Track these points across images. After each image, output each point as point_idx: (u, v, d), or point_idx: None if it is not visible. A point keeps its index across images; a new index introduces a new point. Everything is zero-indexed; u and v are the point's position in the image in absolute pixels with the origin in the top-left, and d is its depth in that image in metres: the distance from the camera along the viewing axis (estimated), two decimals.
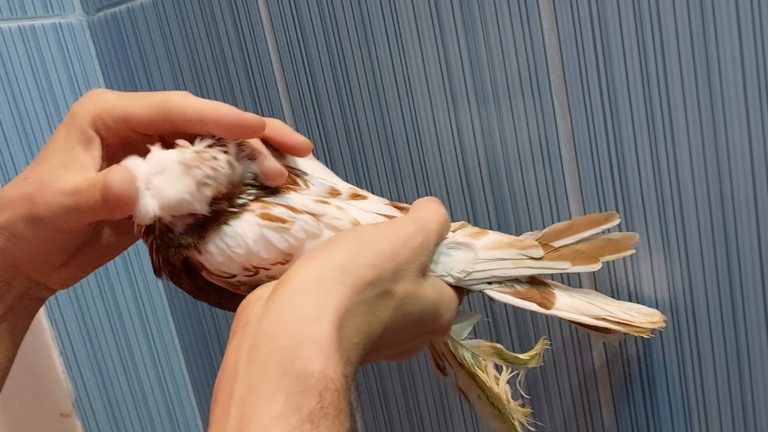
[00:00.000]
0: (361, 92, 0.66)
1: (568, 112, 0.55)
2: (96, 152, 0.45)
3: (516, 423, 0.53)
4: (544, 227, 0.55)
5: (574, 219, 0.54)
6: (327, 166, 0.68)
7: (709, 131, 0.50)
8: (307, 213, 0.45)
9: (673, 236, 0.54)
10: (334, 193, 0.48)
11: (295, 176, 0.48)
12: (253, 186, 0.45)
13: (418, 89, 0.62)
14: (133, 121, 0.45)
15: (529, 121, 0.57)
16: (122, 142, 0.46)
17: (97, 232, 0.50)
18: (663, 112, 0.51)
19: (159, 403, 0.90)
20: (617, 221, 0.53)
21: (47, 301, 0.79)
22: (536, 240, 0.53)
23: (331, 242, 0.43)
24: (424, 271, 0.47)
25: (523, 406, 0.54)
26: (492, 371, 0.53)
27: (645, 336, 0.52)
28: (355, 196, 0.49)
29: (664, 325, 0.53)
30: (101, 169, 0.46)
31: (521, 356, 0.53)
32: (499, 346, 0.53)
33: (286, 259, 0.44)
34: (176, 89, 0.77)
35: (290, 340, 0.37)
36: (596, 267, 0.52)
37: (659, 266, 0.55)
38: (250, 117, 0.43)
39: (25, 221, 0.44)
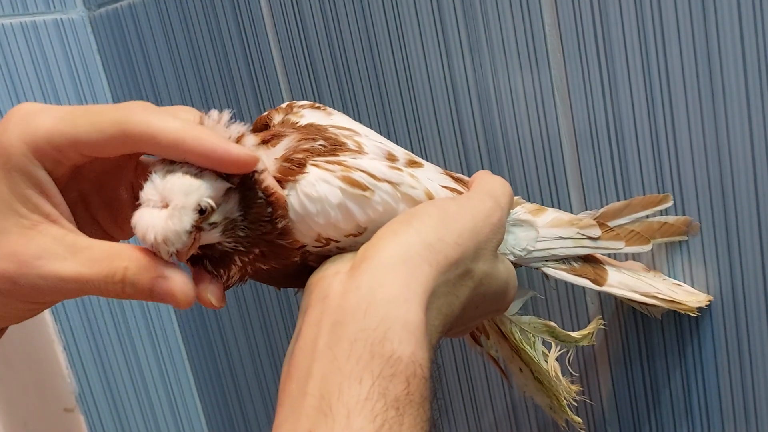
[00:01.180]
0: (363, 84, 0.65)
1: (569, 106, 0.55)
2: (55, 196, 0.38)
3: (563, 400, 0.54)
4: (543, 204, 0.55)
5: (630, 199, 0.54)
6: None
7: (709, 119, 0.50)
8: (387, 181, 0.42)
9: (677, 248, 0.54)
10: (391, 158, 0.44)
11: (346, 137, 0.43)
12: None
13: (418, 79, 0.62)
14: (84, 148, 0.37)
15: (530, 113, 0.57)
16: (71, 170, 0.40)
17: None
18: (663, 98, 0.51)
19: (161, 397, 0.89)
20: (670, 203, 0.53)
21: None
22: (594, 219, 0.53)
23: (414, 216, 0.40)
24: (497, 249, 0.45)
25: (572, 383, 0.54)
26: (540, 347, 0.53)
27: (692, 314, 0.52)
28: (412, 163, 0.45)
29: (708, 303, 0.53)
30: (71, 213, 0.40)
31: (573, 335, 0.54)
32: (552, 323, 0.53)
33: (359, 232, 0.41)
34: (178, 84, 0.78)
35: (380, 321, 0.35)
36: (647, 248, 0.53)
37: (660, 259, 0.55)
38: (241, 153, 0.37)
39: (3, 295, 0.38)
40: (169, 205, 0.36)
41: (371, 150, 0.43)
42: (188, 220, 0.36)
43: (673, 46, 0.50)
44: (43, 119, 0.37)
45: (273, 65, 0.70)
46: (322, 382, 0.34)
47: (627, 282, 0.52)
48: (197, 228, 0.37)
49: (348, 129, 0.44)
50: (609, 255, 0.55)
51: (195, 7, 0.74)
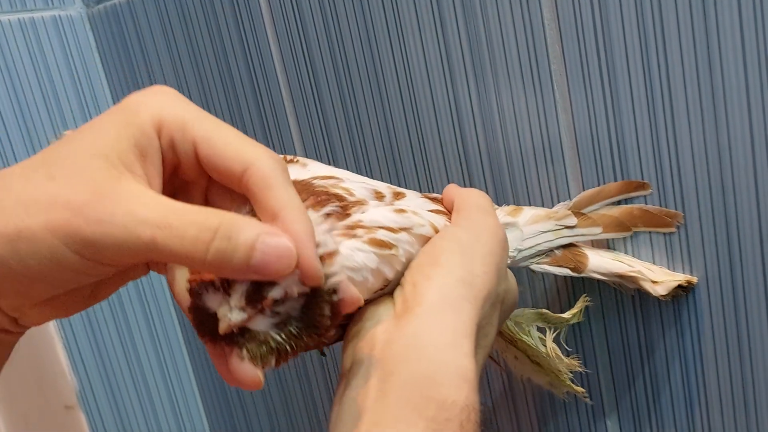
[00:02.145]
0: (362, 84, 0.65)
1: (569, 101, 0.55)
2: (156, 169, 0.35)
3: (564, 375, 0.56)
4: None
5: (603, 185, 0.55)
6: (326, 151, 0.68)
7: (710, 119, 0.50)
8: (402, 230, 0.42)
9: (659, 238, 0.54)
10: (379, 196, 0.45)
11: (333, 185, 0.43)
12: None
13: (418, 80, 0.62)
14: (206, 161, 0.35)
15: (530, 116, 0.57)
16: (170, 171, 0.36)
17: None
18: (664, 100, 0.51)
19: (162, 394, 0.89)
20: (649, 191, 0.53)
21: None
22: (568, 209, 0.55)
23: (438, 255, 0.41)
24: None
25: (570, 357, 0.56)
26: (536, 334, 0.55)
27: (662, 295, 0.52)
28: (397, 195, 0.46)
29: (686, 283, 0.53)
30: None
31: (564, 315, 0.56)
32: (543, 310, 0.55)
33: (385, 285, 0.41)
34: (177, 81, 0.77)
35: (430, 367, 0.35)
36: (627, 234, 0.54)
37: (660, 252, 0.55)
38: (319, 272, 0.34)
39: (55, 235, 0.31)
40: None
41: (361, 194, 0.43)
42: (281, 291, 0.33)
43: (675, 62, 0.50)
44: (183, 107, 0.35)
45: (272, 62, 0.70)
46: (376, 428, 0.34)
47: (606, 265, 0.54)
48: (259, 308, 0.34)
49: (330, 177, 0.44)
50: (591, 242, 0.56)
51: (194, 4, 0.74)
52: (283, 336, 0.34)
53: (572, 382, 0.57)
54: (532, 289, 0.62)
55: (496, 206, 0.53)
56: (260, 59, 0.71)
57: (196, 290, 0.34)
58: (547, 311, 0.56)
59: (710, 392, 0.56)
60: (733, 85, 0.48)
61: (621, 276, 0.53)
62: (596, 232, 0.54)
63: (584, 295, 0.58)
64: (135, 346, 0.87)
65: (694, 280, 0.54)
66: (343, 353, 0.40)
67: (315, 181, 0.44)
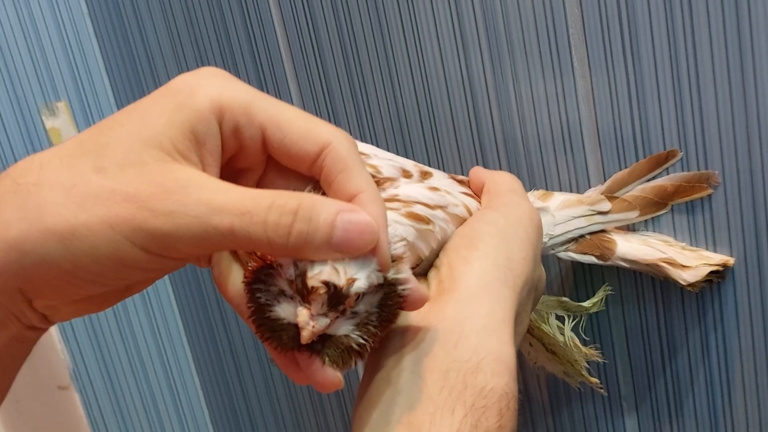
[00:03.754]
0: (371, 62, 0.63)
1: (590, 85, 0.53)
2: (213, 157, 0.33)
3: (580, 364, 0.55)
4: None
5: (633, 164, 0.53)
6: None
7: (739, 103, 0.48)
8: (438, 207, 0.41)
9: (698, 205, 0.53)
10: (407, 174, 0.44)
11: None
12: None
13: (431, 60, 0.60)
14: (277, 145, 0.34)
15: (549, 101, 0.55)
16: (227, 159, 0.35)
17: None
18: (691, 84, 0.49)
19: (159, 372, 0.88)
20: (679, 157, 0.52)
21: None
22: (601, 193, 0.53)
23: (476, 239, 0.40)
24: None
25: (588, 347, 0.56)
26: (554, 322, 0.55)
27: (689, 289, 0.51)
28: (425, 174, 0.45)
29: (722, 268, 0.52)
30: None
31: (584, 304, 0.55)
32: (563, 298, 0.55)
33: (417, 264, 0.41)
34: (172, 46, 0.75)
35: (472, 352, 0.35)
36: (664, 211, 0.53)
37: (682, 233, 0.54)
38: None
39: (117, 231, 0.30)
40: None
41: (388, 172, 0.43)
42: (366, 282, 0.32)
43: (704, 43, 0.48)
44: (244, 90, 0.34)
45: (274, 31, 0.68)
46: (411, 412, 0.34)
47: (634, 252, 0.52)
48: (341, 310, 0.33)
49: (361, 153, 0.42)
50: (629, 227, 0.55)
51: None
52: (365, 336, 0.34)
53: (588, 372, 0.56)
54: (548, 274, 0.60)
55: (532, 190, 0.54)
56: (261, 26, 0.69)
57: (264, 300, 0.33)
58: (567, 299, 0.55)
59: (734, 386, 0.55)
60: (764, 67, 0.47)
61: (650, 265, 0.52)
62: (633, 215, 0.53)
63: (606, 284, 0.57)
64: (131, 323, 0.86)
65: (731, 261, 0.52)
66: None
67: None
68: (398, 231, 0.37)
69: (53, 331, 0.80)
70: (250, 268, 0.33)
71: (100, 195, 0.30)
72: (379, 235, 0.32)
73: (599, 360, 0.56)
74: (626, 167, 0.54)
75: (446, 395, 0.34)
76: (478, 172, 0.48)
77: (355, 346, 0.34)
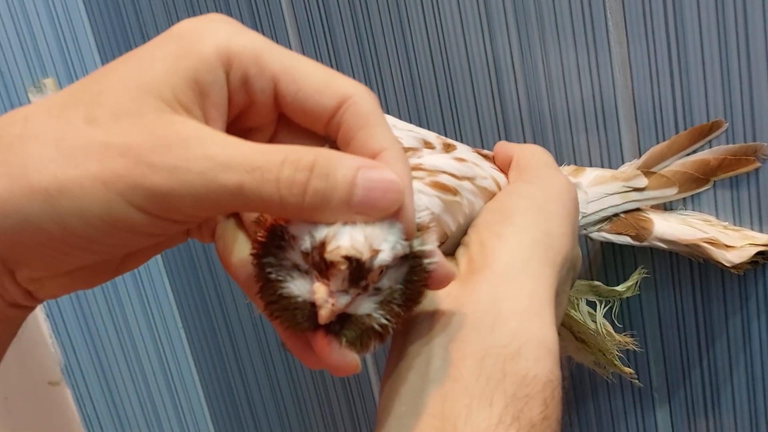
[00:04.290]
0: (384, 29, 0.60)
1: (627, 56, 0.50)
2: (219, 111, 0.30)
3: (612, 353, 0.54)
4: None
5: (673, 137, 0.51)
6: None
7: None
8: (466, 178, 0.40)
9: (743, 180, 0.50)
10: (429, 146, 0.41)
11: None
12: None
13: (450, 26, 0.57)
14: (291, 98, 0.31)
15: (582, 74, 0.53)
16: (234, 115, 0.32)
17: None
18: (740, 55, 0.46)
19: (155, 366, 0.87)
20: (724, 128, 0.49)
21: None
22: (637, 168, 0.51)
23: (509, 213, 0.38)
24: None
25: (623, 335, 0.55)
26: (585, 308, 0.53)
27: (733, 271, 0.49)
28: (448, 147, 0.43)
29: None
30: None
31: (617, 288, 0.53)
32: (596, 282, 0.53)
33: (443, 241, 0.38)
34: (167, 19, 0.73)
35: (512, 336, 0.33)
36: (707, 187, 0.50)
37: (725, 210, 0.52)
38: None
39: (111, 189, 0.27)
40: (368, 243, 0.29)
41: (410, 143, 0.40)
42: (391, 253, 0.29)
43: (756, 10, 0.45)
44: (254, 38, 0.31)
45: (283, 21, 0.65)
46: (444, 403, 0.32)
47: (673, 232, 0.50)
48: (363, 285, 0.30)
49: None
50: (665, 205, 0.53)
51: None
52: (388, 316, 0.31)
53: (620, 361, 0.55)
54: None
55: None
56: (268, 9, 0.66)
57: (275, 276, 0.30)
58: (599, 284, 0.53)
59: None
60: None
61: (690, 245, 0.50)
62: (671, 192, 0.51)
63: (641, 267, 0.55)
64: (125, 314, 0.85)
65: None
66: None
67: None
68: (422, 201, 0.36)
69: (43, 324, 0.78)
70: (259, 238, 0.31)
71: (92, 148, 0.27)
72: (405, 196, 0.29)
73: (634, 348, 0.55)
74: (664, 140, 0.51)
75: (483, 384, 0.32)
76: (504, 146, 0.46)
77: (377, 326, 0.31)
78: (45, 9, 0.76)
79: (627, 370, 0.55)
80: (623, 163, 0.54)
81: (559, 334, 0.53)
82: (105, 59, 0.79)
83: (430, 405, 0.32)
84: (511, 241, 0.37)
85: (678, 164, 0.51)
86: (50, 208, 0.27)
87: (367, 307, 0.31)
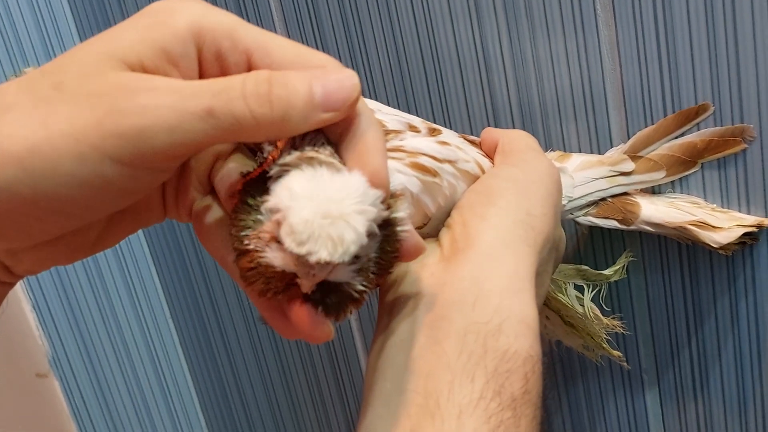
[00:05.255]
0: (371, 15, 0.60)
1: (615, 41, 0.50)
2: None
3: (600, 337, 0.54)
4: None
5: (659, 121, 0.51)
6: None
7: None
8: (446, 161, 0.40)
9: (731, 162, 0.50)
10: (414, 129, 0.42)
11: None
12: None
13: (438, 11, 0.56)
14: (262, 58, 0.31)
15: (570, 58, 0.52)
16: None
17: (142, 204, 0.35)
18: (728, 41, 0.46)
19: (144, 357, 0.87)
20: (711, 111, 0.49)
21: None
22: (624, 153, 0.51)
23: (493, 194, 0.39)
24: None
25: (611, 318, 0.54)
26: (573, 292, 0.53)
27: (721, 252, 0.49)
28: (433, 131, 0.43)
29: (757, 229, 0.50)
30: None
31: (605, 272, 0.54)
32: (583, 266, 0.53)
33: (425, 223, 0.39)
34: None
35: (493, 313, 0.33)
36: (694, 170, 0.50)
37: (713, 192, 0.52)
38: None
39: (83, 142, 0.27)
40: (338, 212, 0.29)
41: (395, 126, 0.41)
42: (363, 241, 0.29)
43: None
44: (213, 17, 0.31)
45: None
46: (427, 380, 0.32)
47: (660, 215, 0.50)
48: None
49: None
50: (654, 189, 0.53)
51: None
52: (365, 283, 0.31)
53: (609, 344, 0.55)
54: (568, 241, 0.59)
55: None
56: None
57: (254, 246, 0.31)
58: (586, 268, 0.54)
59: (766, 358, 0.54)
60: None
61: (677, 228, 0.50)
62: (659, 176, 0.51)
63: (627, 250, 0.55)
64: (112, 305, 0.84)
65: (766, 222, 0.50)
66: (380, 300, 0.38)
67: None
68: (400, 180, 0.36)
69: (30, 315, 0.78)
70: (235, 214, 0.32)
71: (60, 110, 0.27)
72: (374, 158, 0.31)
73: (622, 331, 0.55)
74: (653, 124, 0.51)
75: (465, 360, 0.33)
76: (490, 132, 0.47)
77: (354, 293, 0.32)
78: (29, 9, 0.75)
79: (615, 353, 0.55)
80: (611, 144, 0.53)
81: (547, 317, 0.54)
82: None
83: (414, 382, 0.33)
84: (493, 222, 0.37)
85: (665, 148, 0.51)
86: (22, 171, 0.27)
87: (345, 274, 0.31)
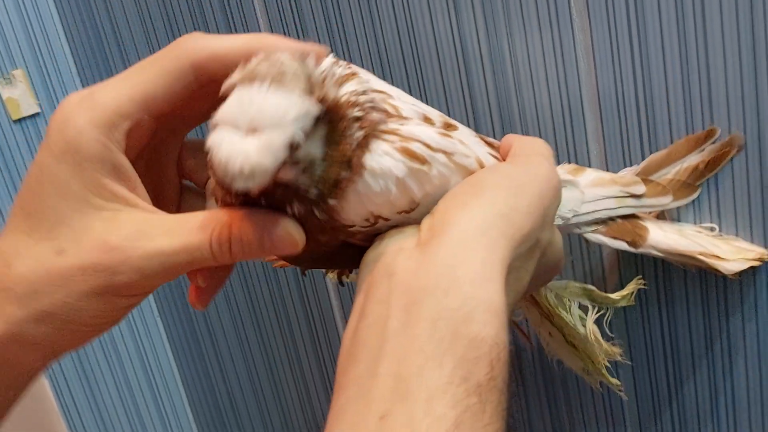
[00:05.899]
0: (353, 14, 0.60)
1: (591, 48, 0.51)
2: (132, 179, 0.37)
3: (600, 362, 0.52)
4: (558, 156, 0.53)
5: (670, 146, 0.51)
6: None
7: (748, 62, 0.46)
8: (442, 151, 0.39)
9: (704, 193, 0.52)
10: (428, 121, 0.41)
11: (381, 100, 0.40)
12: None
13: (419, 16, 0.57)
14: (155, 103, 0.37)
15: (547, 65, 0.53)
16: (142, 143, 0.39)
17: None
18: (698, 44, 0.47)
19: (132, 353, 0.86)
20: (718, 134, 0.49)
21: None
22: (636, 174, 0.51)
23: (484, 186, 0.39)
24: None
25: (613, 345, 0.53)
26: (576, 311, 0.52)
27: (729, 277, 0.49)
28: (448, 126, 0.42)
29: (760, 262, 0.50)
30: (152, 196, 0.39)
31: (612, 296, 0.52)
32: (589, 286, 0.52)
33: (412, 208, 0.39)
34: (135, 3, 0.71)
35: (463, 300, 0.34)
36: (695, 195, 0.51)
37: (686, 210, 0.53)
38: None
39: (96, 295, 0.36)
40: (256, 131, 0.32)
41: (408, 114, 0.40)
42: (280, 157, 0.32)
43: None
44: (104, 96, 0.37)
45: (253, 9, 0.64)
46: (399, 364, 0.33)
47: (667, 241, 0.50)
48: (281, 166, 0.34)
49: (380, 92, 0.40)
50: (670, 214, 0.53)
51: None
52: (310, 181, 0.35)
53: (608, 371, 0.54)
54: (583, 259, 0.59)
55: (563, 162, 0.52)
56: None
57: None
58: (594, 289, 0.52)
59: (735, 348, 0.54)
60: None
61: (683, 255, 0.50)
62: (666, 201, 0.51)
63: (638, 276, 0.54)
64: None
65: (762, 256, 0.50)
66: (358, 282, 0.39)
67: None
68: (386, 164, 0.37)
69: None
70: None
71: (73, 275, 0.36)
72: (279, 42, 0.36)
73: (620, 360, 0.53)
74: (626, 127, 0.52)
75: (435, 346, 0.33)
76: (508, 138, 0.47)
77: (301, 191, 0.35)
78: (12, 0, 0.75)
79: (614, 381, 0.55)
80: (587, 143, 0.54)
81: (550, 334, 0.53)
82: (74, 48, 0.77)
83: (386, 365, 0.33)
84: (473, 210, 0.37)
85: (673, 173, 0.51)
86: (53, 326, 0.36)
87: (290, 176, 0.34)
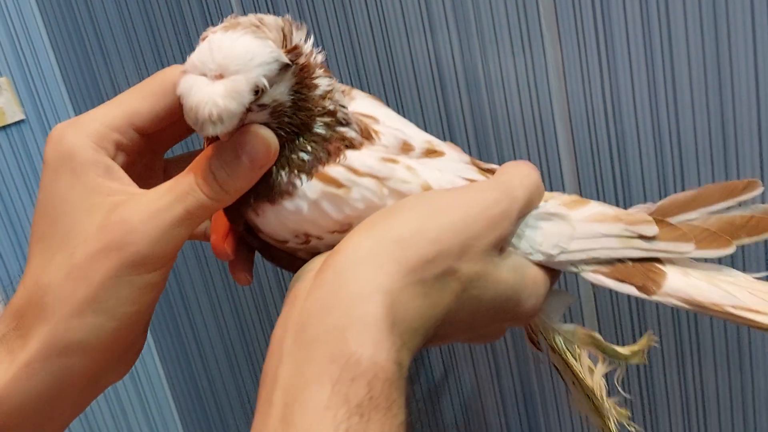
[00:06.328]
0: (331, 30, 0.61)
1: (561, 62, 0.51)
2: (123, 178, 0.40)
3: (612, 423, 0.46)
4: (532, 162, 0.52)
5: (700, 188, 0.44)
6: None
7: (713, 80, 0.47)
8: (370, 176, 0.40)
9: None
10: (406, 148, 0.42)
11: (367, 125, 0.42)
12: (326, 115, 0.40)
13: (395, 30, 0.57)
14: (140, 119, 0.40)
15: (519, 78, 0.53)
16: (131, 150, 0.42)
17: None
18: (665, 60, 0.48)
19: None
20: (760, 190, 0.42)
21: (5, 269, 0.75)
22: (649, 214, 0.44)
23: (392, 211, 0.39)
24: (501, 247, 0.41)
25: (624, 405, 0.47)
26: (586, 361, 0.46)
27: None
28: (430, 153, 0.42)
29: None
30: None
31: (621, 350, 0.45)
32: (596, 335, 0.46)
33: (344, 229, 0.40)
34: (119, 14, 0.72)
35: (339, 320, 0.34)
36: (728, 251, 0.42)
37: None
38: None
39: (115, 278, 0.37)
40: (223, 77, 0.34)
41: (387, 141, 0.41)
42: (245, 101, 0.35)
43: (678, 20, 0.46)
44: (92, 114, 0.40)
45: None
46: (286, 390, 0.34)
47: (689, 291, 0.42)
48: (247, 110, 0.36)
49: (369, 116, 0.41)
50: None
51: None
52: (278, 123, 0.38)
53: (616, 427, 0.47)
54: (596, 303, 0.56)
55: (555, 193, 0.46)
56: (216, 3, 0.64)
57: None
58: (600, 338, 0.46)
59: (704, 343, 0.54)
60: (739, 46, 0.45)
61: (707, 308, 0.41)
62: (687, 249, 0.42)
63: (650, 331, 0.46)
64: None
65: None
66: None
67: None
68: (303, 185, 0.39)
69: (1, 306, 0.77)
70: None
71: (88, 266, 0.38)
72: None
73: (626, 424, 0.47)
74: (596, 140, 0.52)
75: (314, 370, 0.33)
76: (507, 164, 0.45)
77: (276, 130, 0.38)
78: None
79: None
80: (559, 157, 0.53)
81: (573, 384, 0.47)
82: (59, 56, 0.78)
83: (278, 393, 0.34)
84: (372, 233, 0.37)
85: (699, 219, 0.44)
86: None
87: (259, 119, 0.37)
